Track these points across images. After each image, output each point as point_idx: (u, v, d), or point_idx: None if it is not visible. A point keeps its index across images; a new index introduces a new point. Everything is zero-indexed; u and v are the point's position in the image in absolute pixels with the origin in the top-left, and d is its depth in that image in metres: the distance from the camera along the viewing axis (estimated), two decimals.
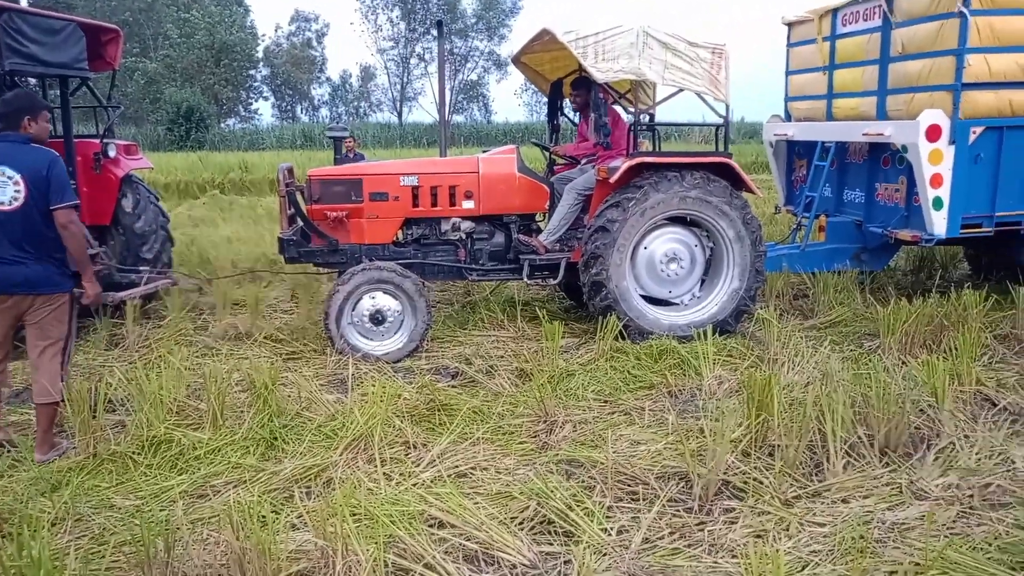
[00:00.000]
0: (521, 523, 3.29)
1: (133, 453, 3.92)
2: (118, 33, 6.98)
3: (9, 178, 3.78)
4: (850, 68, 7.31)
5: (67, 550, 3.08)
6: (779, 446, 3.81)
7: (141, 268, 6.81)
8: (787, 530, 3.25)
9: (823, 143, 7.57)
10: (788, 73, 8.41)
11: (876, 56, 6.90)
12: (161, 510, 3.41)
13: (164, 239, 7.21)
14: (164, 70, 45.87)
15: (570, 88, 6.81)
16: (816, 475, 3.72)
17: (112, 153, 6.82)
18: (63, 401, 4.07)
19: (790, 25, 8.26)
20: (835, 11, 7.44)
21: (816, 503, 3.48)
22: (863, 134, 6.87)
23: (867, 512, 3.36)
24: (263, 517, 3.14)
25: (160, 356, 5.50)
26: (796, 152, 8.47)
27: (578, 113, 7.02)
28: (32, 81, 7.41)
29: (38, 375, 4.02)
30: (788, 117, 8.48)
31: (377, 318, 5.69)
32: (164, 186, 17.43)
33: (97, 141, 6.80)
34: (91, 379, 4.92)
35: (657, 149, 6.82)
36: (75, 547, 3.11)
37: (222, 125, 45.80)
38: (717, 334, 5.71)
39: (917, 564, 2.91)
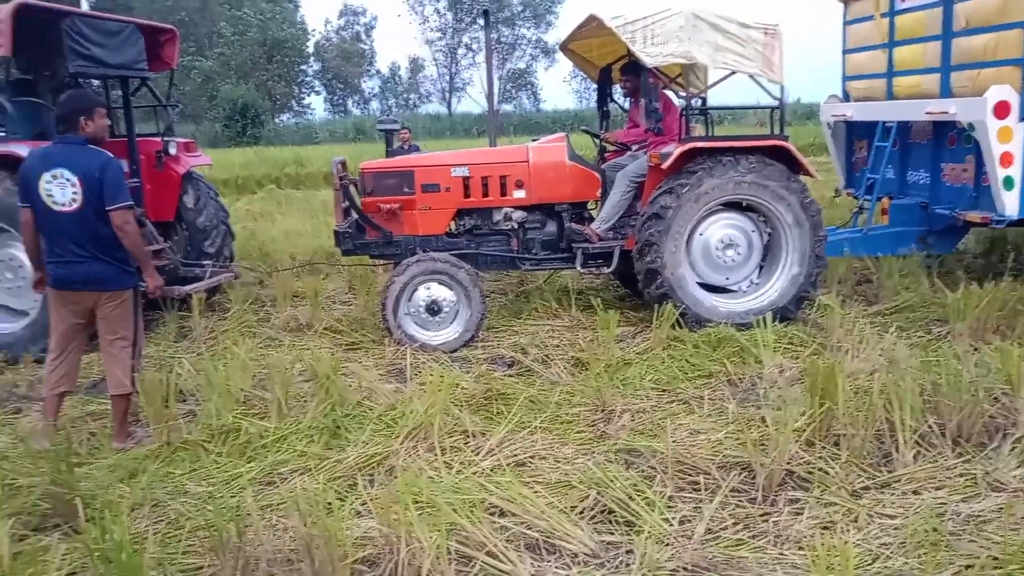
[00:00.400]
0: (581, 512, 3.30)
1: (204, 441, 4.05)
2: (175, 33, 7.17)
3: (67, 180, 3.88)
4: (911, 45, 7.06)
5: (146, 534, 3.20)
6: (845, 436, 3.73)
7: (204, 262, 7.01)
8: (855, 522, 3.18)
9: (884, 123, 7.34)
10: (845, 52, 8.17)
11: (938, 31, 6.65)
12: (232, 496, 3.53)
13: (225, 233, 7.41)
14: (219, 68, 46.93)
15: (620, 74, 6.74)
16: (885, 465, 3.63)
17: (173, 151, 7.03)
18: (136, 392, 4.23)
19: (846, 2, 8.02)
20: None
21: (885, 494, 3.39)
22: (926, 113, 6.64)
23: (940, 504, 3.27)
24: (329, 504, 3.21)
25: (226, 347, 5.66)
26: (856, 133, 8.23)
27: (629, 99, 6.95)
28: (95, 82, 7.66)
29: (110, 368, 4.18)
30: (846, 97, 8.24)
31: (433, 308, 5.75)
32: (223, 182, 17.87)
33: (158, 139, 7.01)
34: (162, 370, 5.10)
35: (710, 134, 6.70)
36: (153, 531, 3.24)
37: (276, 120, 46.69)
38: (777, 321, 5.60)
39: (995, 558, 2.81)
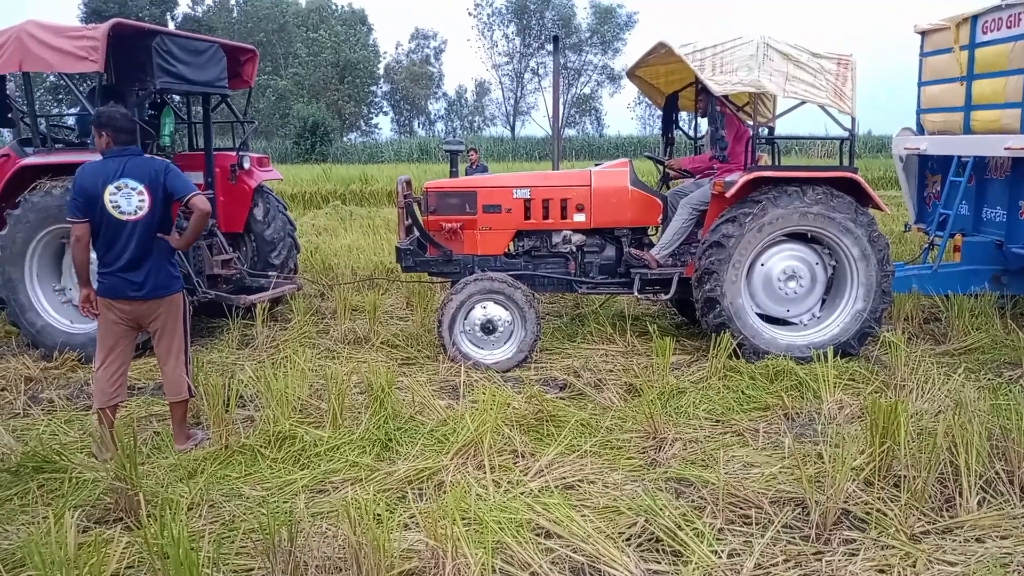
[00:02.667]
0: (628, 539, 3.26)
1: (260, 447, 4.16)
2: (255, 53, 7.48)
3: (133, 189, 4.03)
4: (991, 78, 6.84)
5: (202, 533, 3.30)
6: (906, 477, 3.61)
7: (269, 273, 7.24)
8: (913, 566, 3.06)
9: (960, 157, 7.12)
10: (921, 84, 7.96)
11: (1020, 66, 6.43)
12: (285, 502, 3.61)
13: (291, 246, 7.63)
14: (293, 87, 48.57)
15: (695, 95, 6.70)
16: (947, 510, 3.49)
17: (247, 165, 7.30)
18: (192, 396, 4.37)
19: (924, 34, 7.83)
20: (975, 18, 6.99)
21: (947, 540, 3.26)
22: (1005, 148, 6.41)
23: (1005, 554, 3.13)
24: (378, 515, 3.26)
25: (286, 356, 5.81)
26: (929, 167, 7.99)
27: (705, 119, 6.87)
28: (176, 98, 8.02)
29: (166, 376, 4.33)
30: (920, 130, 8.02)
31: (488, 327, 5.80)
32: (291, 196, 18.42)
33: (233, 154, 7.29)
34: (224, 375, 5.27)
35: (776, 163, 6.62)
36: (208, 531, 3.34)
37: (344, 139, 47.97)
38: (839, 356, 5.46)
39: None
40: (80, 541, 3.07)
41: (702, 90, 6.54)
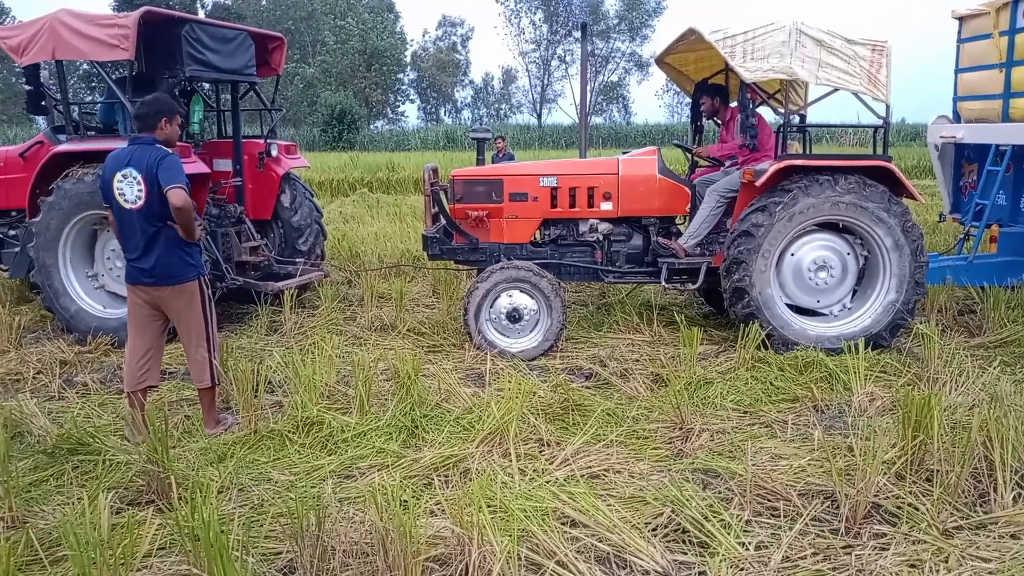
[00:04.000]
0: (655, 529, 3.25)
1: (289, 432, 4.21)
2: (283, 41, 7.50)
3: (134, 178, 4.05)
4: None
5: (231, 516, 3.35)
6: (938, 471, 3.55)
7: (297, 260, 7.30)
8: (946, 562, 3.01)
9: (997, 146, 6.95)
10: (957, 71, 7.78)
11: None
12: (312, 487, 3.64)
13: (318, 232, 7.68)
14: (321, 75, 48.77)
15: (701, 95, 6.66)
16: (980, 505, 3.43)
17: (274, 152, 7.35)
18: (216, 384, 4.42)
19: (961, 19, 7.64)
20: (1015, 3, 6.79)
21: (980, 536, 3.20)
22: None
23: None
24: (404, 501, 3.28)
25: (313, 343, 5.86)
26: (965, 156, 7.82)
27: (711, 120, 6.84)
28: (206, 86, 8.08)
29: (190, 364, 4.38)
30: (957, 118, 7.84)
31: (514, 316, 5.79)
32: (318, 184, 18.54)
33: (262, 141, 7.35)
34: (253, 361, 5.32)
35: (808, 151, 6.51)
36: (238, 514, 3.38)
37: (371, 127, 48.10)
38: (870, 348, 5.38)
39: None
40: (113, 522, 3.13)
41: (708, 90, 6.52)
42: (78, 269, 6.39)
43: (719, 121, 6.67)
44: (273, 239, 7.55)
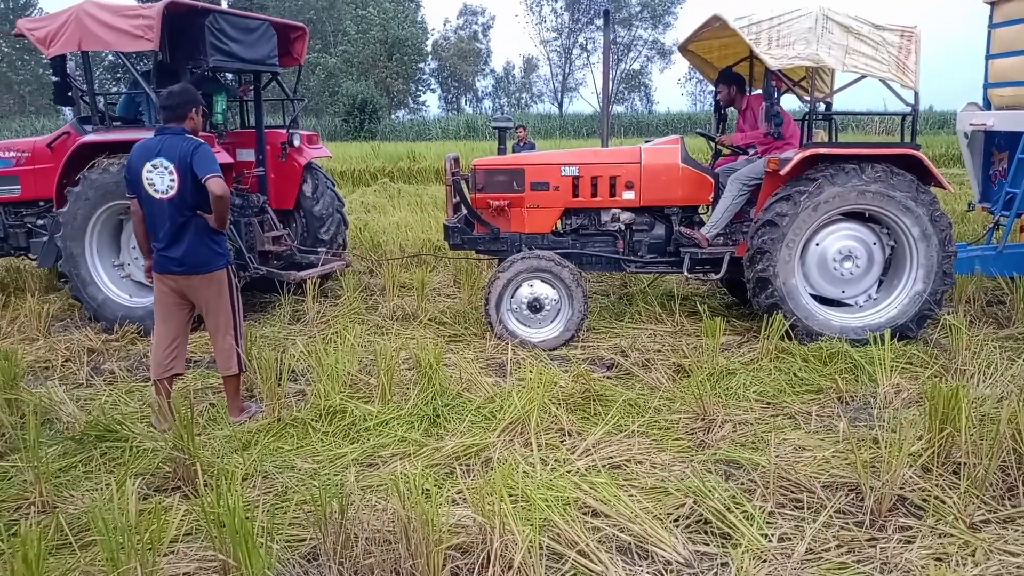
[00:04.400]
0: (676, 520, 3.24)
1: (312, 420, 4.25)
2: (304, 31, 7.52)
3: (166, 168, 4.07)
4: None
5: (256, 503, 3.39)
6: (965, 464, 3.49)
7: (319, 249, 7.34)
8: (972, 556, 2.98)
9: None
10: (988, 57, 7.61)
11: None
12: (335, 475, 3.67)
13: (339, 222, 7.72)
14: (342, 64, 48.86)
15: (716, 84, 6.63)
16: (1009, 499, 3.38)
17: (297, 142, 7.38)
18: (243, 371, 4.46)
19: (993, 4, 7.47)
20: None
21: (1008, 530, 3.16)
22: None
23: None
24: (427, 490, 3.30)
25: (336, 332, 5.90)
26: (996, 144, 7.66)
27: (729, 108, 6.78)
28: (229, 76, 8.12)
29: (217, 352, 4.42)
30: (987, 105, 7.68)
31: (535, 306, 5.78)
32: (340, 174, 18.61)
33: (284, 131, 7.38)
34: (277, 350, 5.37)
35: (833, 140, 6.42)
36: (262, 501, 3.42)
37: (393, 116, 48.16)
38: (896, 339, 5.31)
39: None
40: (141, 508, 3.18)
41: (723, 78, 6.46)
42: (104, 259, 6.47)
43: (737, 109, 6.60)
44: (295, 228, 7.60)
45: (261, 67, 6.88)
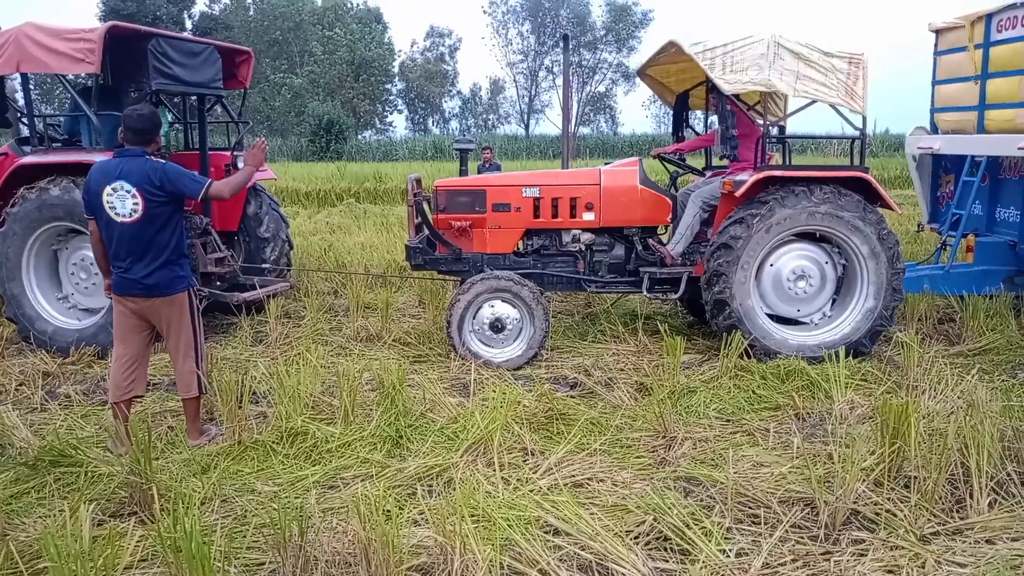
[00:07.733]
0: (636, 537, 3.28)
1: (273, 443, 4.21)
2: (250, 55, 7.52)
3: (127, 191, 4.02)
4: (1006, 77, 6.78)
5: (214, 527, 3.35)
6: (916, 478, 3.60)
7: (263, 267, 7.30)
8: (922, 567, 3.06)
9: (973, 157, 7.08)
10: (935, 83, 7.91)
11: None
12: (296, 497, 3.65)
13: (283, 243, 7.68)
14: (308, 85, 48.69)
15: (706, 93, 6.73)
16: (957, 511, 3.48)
17: (240, 165, 7.33)
18: (203, 393, 4.42)
19: (938, 32, 7.78)
20: (989, 16, 6.93)
21: (956, 541, 3.26)
22: (1019, 148, 6.37)
23: (1016, 556, 3.12)
24: (388, 511, 3.30)
25: (299, 353, 5.86)
26: (943, 166, 7.95)
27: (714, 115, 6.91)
28: (174, 99, 8.07)
29: (177, 371, 4.37)
30: (934, 129, 7.97)
31: (496, 326, 5.82)
32: (305, 194, 18.53)
33: (228, 153, 7.35)
34: (238, 372, 5.32)
35: (788, 163, 6.60)
36: (220, 525, 3.38)
37: (359, 137, 48.05)
38: (851, 356, 5.45)
39: None
40: (95, 534, 3.13)
41: (712, 89, 6.55)
42: (48, 293, 6.38)
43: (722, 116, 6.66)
44: (239, 251, 7.54)
45: (205, 90, 6.82)
